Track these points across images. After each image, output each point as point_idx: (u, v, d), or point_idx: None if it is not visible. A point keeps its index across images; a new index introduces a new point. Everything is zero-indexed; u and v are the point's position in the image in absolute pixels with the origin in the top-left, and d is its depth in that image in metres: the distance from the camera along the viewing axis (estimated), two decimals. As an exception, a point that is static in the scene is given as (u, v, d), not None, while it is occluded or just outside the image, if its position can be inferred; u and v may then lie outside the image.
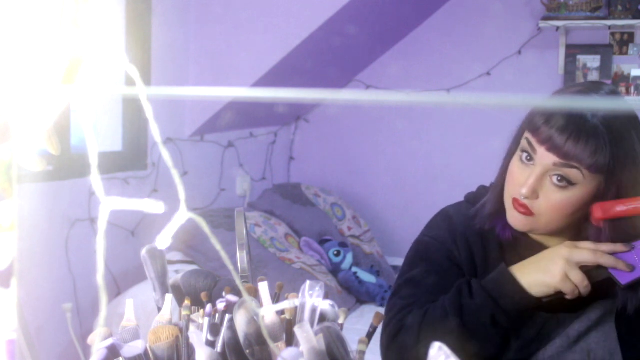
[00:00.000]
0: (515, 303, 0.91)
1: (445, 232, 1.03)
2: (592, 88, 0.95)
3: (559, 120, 0.88)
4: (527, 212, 0.93)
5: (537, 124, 0.90)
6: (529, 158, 0.93)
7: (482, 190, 1.08)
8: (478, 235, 1.02)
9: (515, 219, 0.95)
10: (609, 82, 2.83)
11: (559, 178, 0.90)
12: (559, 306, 0.95)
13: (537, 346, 0.97)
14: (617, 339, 0.95)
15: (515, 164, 0.95)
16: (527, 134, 0.93)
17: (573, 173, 0.89)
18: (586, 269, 0.90)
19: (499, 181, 1.00)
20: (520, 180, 0.93)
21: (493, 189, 1.02)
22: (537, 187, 0.91)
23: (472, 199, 1.08)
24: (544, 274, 0.90)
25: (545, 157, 0.90)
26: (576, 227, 0.96)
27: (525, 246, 0.99)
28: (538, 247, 0.98)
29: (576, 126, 0.87)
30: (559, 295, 0.90)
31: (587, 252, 0.89)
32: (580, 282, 0.88)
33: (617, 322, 0.96)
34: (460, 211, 1.06)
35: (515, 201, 0.93)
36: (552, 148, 0.89)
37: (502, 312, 0.92)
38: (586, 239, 0.93)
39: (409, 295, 0.99)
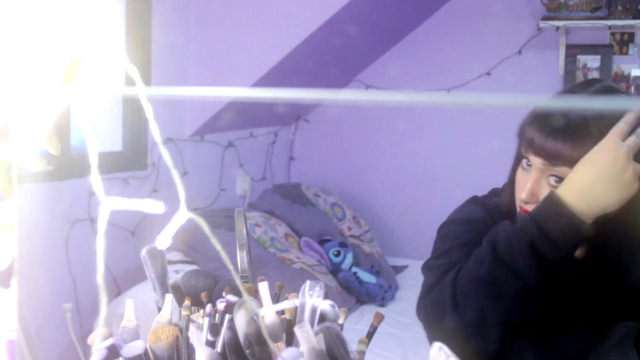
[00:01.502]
0: (561, 229, 0.81)
1: (481, 212, 1.02)
2: (583, 86, 0.94)
3: (538, 122, 0.89)
4: None
5: (523, 129, 0.91)
6: (529, 163, 0.93)
7: (497, 190, 1.08)
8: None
9: None
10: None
11: (556, 179, 0.89)
12: (579, 321, 0.93)
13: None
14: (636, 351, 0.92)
15: (519, 172, 0.95)
16: (521, 141, 0.94)
17: (564, 171, 0.87)
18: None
19: (510, 191, 0.99)
20: (521, 186, 0.93)
21: (504, 198, 1.01)
22: (536, 190, 0.91)
23: (498, 192, 1.07)
24: (616, 188, 0.81)
25: (535, 160, 0.90)
26: None
27: None
28: None
29: (552, 125, 0.87)
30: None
31: (635, 137, 0.83)
32: None
33: (637, 343, 0.93)
34: (488, 199, 1.06)
35: (520, 208, 0.94)
36: (537, 151, 0.89)
37: (544, 236, 0.82)
38: None
39: (449, 260, 0.94)
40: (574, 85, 1.03)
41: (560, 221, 0.82)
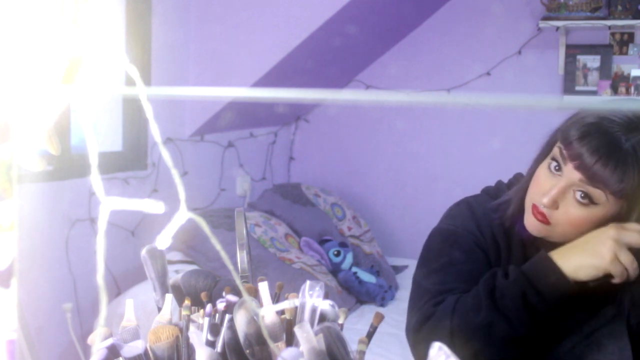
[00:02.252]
0: (550, 285, 0.89)
1: (470, 221, 1.03)
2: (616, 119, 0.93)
3: (592, 140, 0.87)
4: (544, 220, 0.93)
5: (570, 138, 0.90)
6: (557, 168, 0.92)
7: (501, 185, 1.08)
8: (501, 228, 1.02)
9: (531, 223, 0.95)
10: (608, 81, 2.82)
11: (582, 195, 0.89)
12: (575, 307, 0.95)
13: (552, 343, 0.97)
14: (628, 336, 0.96)
15: (542, 171, 0.94)
16: (559, 144, 0.92)
17: (597, 193, 0.88)
18: (633, 251, 0.88)
19: (524, 185, 0.99)
20: (544, 189, 0.92)
21: (516, 191, 1.01)
22: (559, 199, 0.91)
23: (492, 192, 1.07)
24: (592, 256, 0.88)
25: (572, 173, 0.89)
26: None
27: (544, 245, 0.99)
28: (558, 245, 0.97)
29: (607, 149, 0.86)
30: (606, 279, 0.89)
31: (637, 233, 0.88)
32: (630, 264, 0.87)
33: (628, 321, 0.97)
34: (480, 203, 1.05)
35: (534, 207, 0.94)
36: (580, 167, 0.88)
37: (535, 292, 0.90)
38: None
39: (441, 282, 0.98)
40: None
41: (548, 279, 0.90)
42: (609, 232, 0.88)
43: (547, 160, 0.94)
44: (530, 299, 0.90)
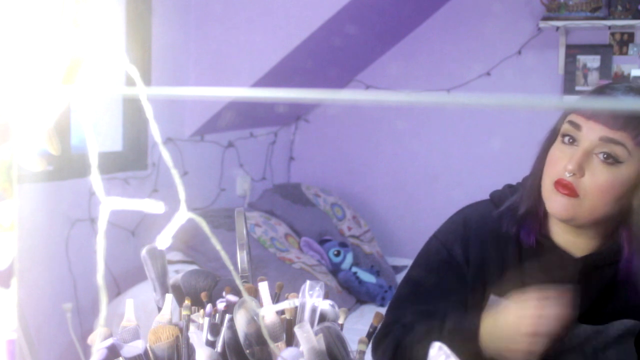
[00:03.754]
0: (470, 351, 0.89)
1: (453, 234, 1.02)
2: (621, 83, 0.97)
3: (606, 96, 0.90)
4: (571, 192, 0.89)
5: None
6: (571, 140, 0.90)
7: (508, 189, 1.05)
8: (495, 239, 0.99)
9: (557, 203, 0.90)
10: (608, 82, 2.83)
11: (605, 155, 0.87)
12: (577, 315, 0.93)
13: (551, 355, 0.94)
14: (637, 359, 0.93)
15: (556, 148, 0.93)
16: (570, 117, 0.91)
17: (619, 150, 0.87)
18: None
19: (537, 173, 0.96)
20: (563, 161, 0.90)
21: (527, 185, 0.98)
22: (584, 163, 0.88)
23: (497, 199, 1.04)
24: (508, 351, 0.87)
25: (591, 133, 0.88)
26: (613, 224, 0.92)
27: (547, 252, 0.96)
28: (561, 254, 0.96)
29: (625, 98, 0.88)
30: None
31: (548, 319, 0.85)
32: (550, 325, 0.85)
33: (637, 342, 0.93)
34: (479, 211, 1.04)
35: (558, 183, 0.90)
36: (600, 119, 0.87)
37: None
38: (618, 241, 0.92)
39: (406, 295, 1.01)
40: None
41: (471, 347, 0.90)
42: (523, 329, 0.85)
43: (558, 139, 0.93)
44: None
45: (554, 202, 0.91)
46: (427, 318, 0.98)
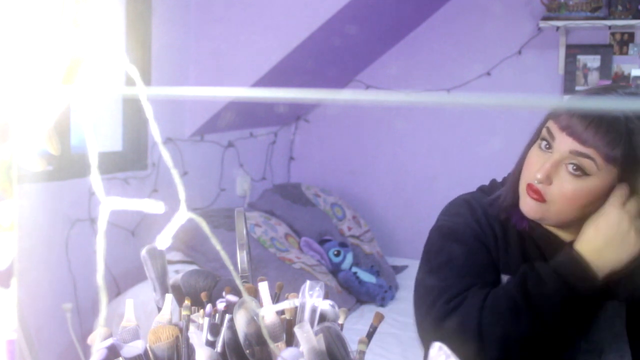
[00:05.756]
0: (586, 289, 0.91)
1: (467, 216, 1.04)
2: (610, 88, 0.97)
3: (581, 110, 0.90)
4: (540, 198, 0.93)
5: (560, 111, 0.92)
6: (547, 146, 0.94)
7: (495, 183, 1.09)
8: (497, 222, 1.03)
9: (527, 205, 0.95)
10: (608, 81, 2.83)
11: (574, 167, 0.91)
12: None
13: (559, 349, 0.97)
14: (628, 342, 0.96)
15: (533, 152, 0.96)
16: (549, 123, 0.94)
17: (588, 163, 0.90)
18: None
19: (517, 171, 1.00)
20: (537, 166, 0.94)
21: (510, 180, 1.02)
22: (552, 173, 0.92)
23: (487, 189, 1.09)
24: (623, 248, 0.90)
25: (563, 144, 0.91)
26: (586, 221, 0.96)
27: (540, 236, 1.00)
28: (553, 238, 0.99)
29: (599, 114, 0.89)
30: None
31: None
32: None
33: (628, 326, 0.97)
34: (476, 198, 1.07)
35: (529, 187, 0.94)
36: (572, 133, 0.90)
37: (576, 298, 0.91)
38: None
39: (448, 277, 0.99)
40: (592, 88, 1.03)
41: (585, 282, 0.92)
42: (622, 216, 0.90)
43: (537, 142, 0.96)
44: (570, 307, 0.92)
45: (525, 204, 0.96)
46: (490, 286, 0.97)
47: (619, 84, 1.01)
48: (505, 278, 1.00)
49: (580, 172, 0.90)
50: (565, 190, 0.91)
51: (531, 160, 0.96)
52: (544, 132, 0.94)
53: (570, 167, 0.91)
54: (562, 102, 0.84)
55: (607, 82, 2.82)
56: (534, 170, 0.94)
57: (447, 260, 1.01)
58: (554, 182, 0.92)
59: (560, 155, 0.91)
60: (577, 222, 0.95)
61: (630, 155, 0.89)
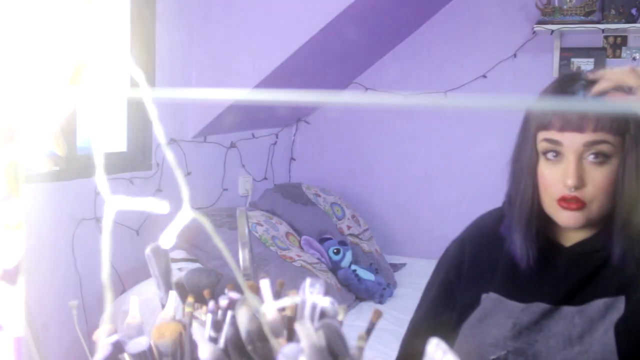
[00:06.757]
0: None
1: (459, 240, 1.06)
2: (572, 79, 0.95)
3: (566, 105, 0.90)
4: (579, 204, 0.90)
5: (547, 120, 0.90)
6: (555, 155, 0.91)
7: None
8: (489, 239, 1.02)
9: (567, 217, 0.91)
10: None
11: (595, 156, 0.89)
12: (559, 298, 0.94)
13: (535, 336, 0.94)
14: (615, 344, 0.92)
15: (544, 167, 0.93)
16: (542, 135, 0.92)
17: (604, 147, 0.89)
18: None
19: (525, 195, 0.95)
20: (557, 177, 0.91)
21: (515, 209, 0.97)
22: (581, 173, 0.89)
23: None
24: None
25: (573, 142, 0.89)
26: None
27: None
28: (550, 245, 0.98)
29: (585, 99, 0.89)
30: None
31: None
32: None
33: (616, 327, 0.93)
34: (485, 218, 1.07)
35: (562, 200, 0.91)
36: (576, 127, 0.88)
37: None
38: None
39: (421, 300, 1.10)
40: (554, 81, 0.98)
41: None
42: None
43: (541, 158, 0.94)
44: None
45: (564, 217, 0.92)
46: None
47: (575, 72, 1.00)
48: (486, 297, 0.98)
49: (602, 157, 0.89)
50: (599, 181, 0.89)
51: (547, 176, 0.92)
52: (544, 145, 0.92)
53: (591, 158, 0.89)
54: (546, 104, 0.83)
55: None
56: (559, 182, 0.90)
57: (427, 284, 1.10)
58: (586, 182, 0.89)
59: (577, 152, 0.89)
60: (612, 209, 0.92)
61: (635, 120, 0.88)
